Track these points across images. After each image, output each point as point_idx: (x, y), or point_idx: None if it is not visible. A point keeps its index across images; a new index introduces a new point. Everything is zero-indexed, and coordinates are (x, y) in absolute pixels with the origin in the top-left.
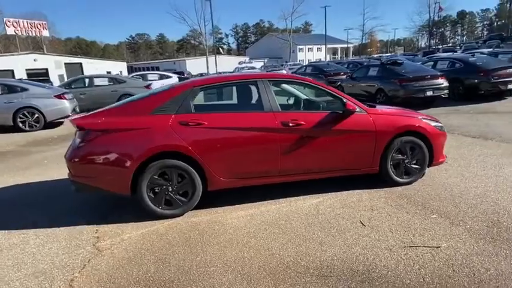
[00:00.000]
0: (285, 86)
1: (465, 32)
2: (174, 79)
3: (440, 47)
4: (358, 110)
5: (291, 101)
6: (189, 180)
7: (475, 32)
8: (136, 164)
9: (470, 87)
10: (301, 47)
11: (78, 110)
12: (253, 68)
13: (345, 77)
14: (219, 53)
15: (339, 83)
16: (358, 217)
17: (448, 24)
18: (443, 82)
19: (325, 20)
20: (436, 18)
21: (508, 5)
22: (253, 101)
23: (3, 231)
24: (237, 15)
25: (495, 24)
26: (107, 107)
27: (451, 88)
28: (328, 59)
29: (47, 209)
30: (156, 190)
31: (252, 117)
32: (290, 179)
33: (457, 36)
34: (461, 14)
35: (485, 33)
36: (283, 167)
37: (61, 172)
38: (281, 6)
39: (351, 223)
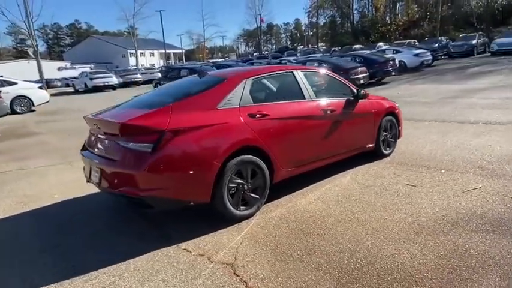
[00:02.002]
0: (309, 76)
1: (274, 41)
2: (20, 85)
3: (266, 53)
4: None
5: (315, 89)
6: (261, 175)
7: (281, 42)
8: (219, 164)
9: None
10: (132, 51)
11: None
12: (105, 72)
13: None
14: (26, 56)
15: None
16: (400, 182)
17: (261, 34)
18: None
19: (161, 25)
20: (254, 29)
21: (303, 21)
22: (295, 91)
23: (53, 285)
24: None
25: (296, 35)
26: (152, 106)
27: None
28: (162, 63)
29: (78, 244)
30: (232, 191)
31: (302, 105)
32: (325, 162)
33: (269, 45)
34: (270, 26)
35: (289, 42)
36: (323, 151)
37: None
38: (94, 8)
39: (402, 186)
